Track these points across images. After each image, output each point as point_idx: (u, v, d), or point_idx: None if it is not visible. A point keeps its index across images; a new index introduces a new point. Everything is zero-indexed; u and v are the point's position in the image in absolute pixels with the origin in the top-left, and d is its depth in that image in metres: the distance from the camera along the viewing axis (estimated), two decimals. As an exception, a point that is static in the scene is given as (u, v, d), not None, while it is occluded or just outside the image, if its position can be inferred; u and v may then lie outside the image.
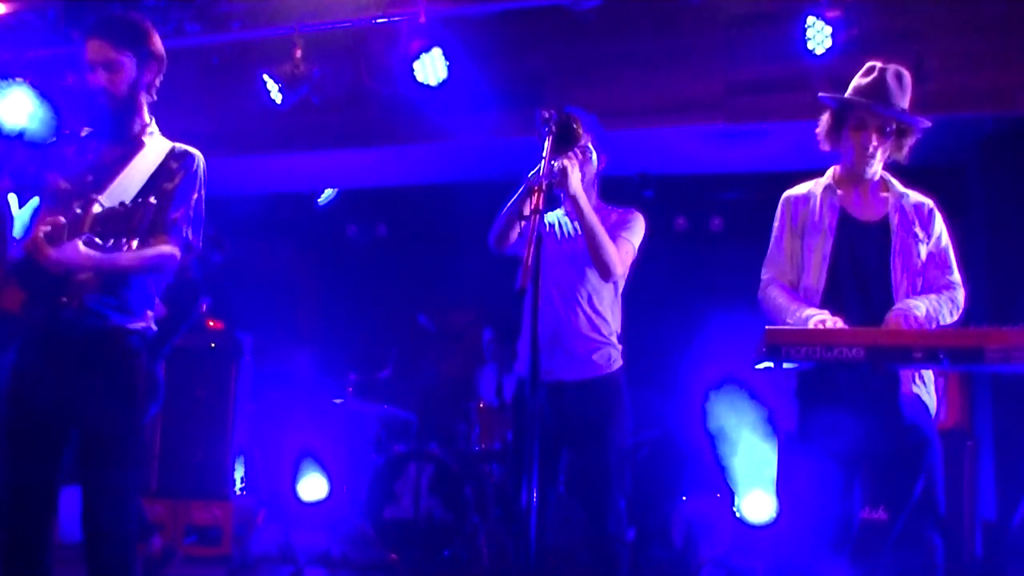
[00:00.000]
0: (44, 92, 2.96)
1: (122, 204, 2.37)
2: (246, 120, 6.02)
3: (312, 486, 6.20)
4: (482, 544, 5.36)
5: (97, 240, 2.37)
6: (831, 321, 2.74)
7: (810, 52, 4.80)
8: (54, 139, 2.89)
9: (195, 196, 2.80)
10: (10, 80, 5.42)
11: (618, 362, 3.33)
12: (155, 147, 2.79)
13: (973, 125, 5.15)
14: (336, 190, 7.56)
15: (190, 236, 2.77)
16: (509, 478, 5.21)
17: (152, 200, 2.36)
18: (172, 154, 2.81)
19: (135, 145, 2.78)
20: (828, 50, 4.76)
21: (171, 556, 4.69)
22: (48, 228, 2.46)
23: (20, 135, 2.92)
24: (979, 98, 4.85)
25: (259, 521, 5.82)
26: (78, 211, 2.41)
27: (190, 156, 2.83)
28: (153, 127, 2.86)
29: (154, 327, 2.82)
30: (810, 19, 4.76)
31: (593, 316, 3.29)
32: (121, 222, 2.34)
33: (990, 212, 5.41)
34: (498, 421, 5.62)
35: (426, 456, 5.61)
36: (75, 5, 5.25)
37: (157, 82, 2.85)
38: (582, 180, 3.24)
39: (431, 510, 5.51)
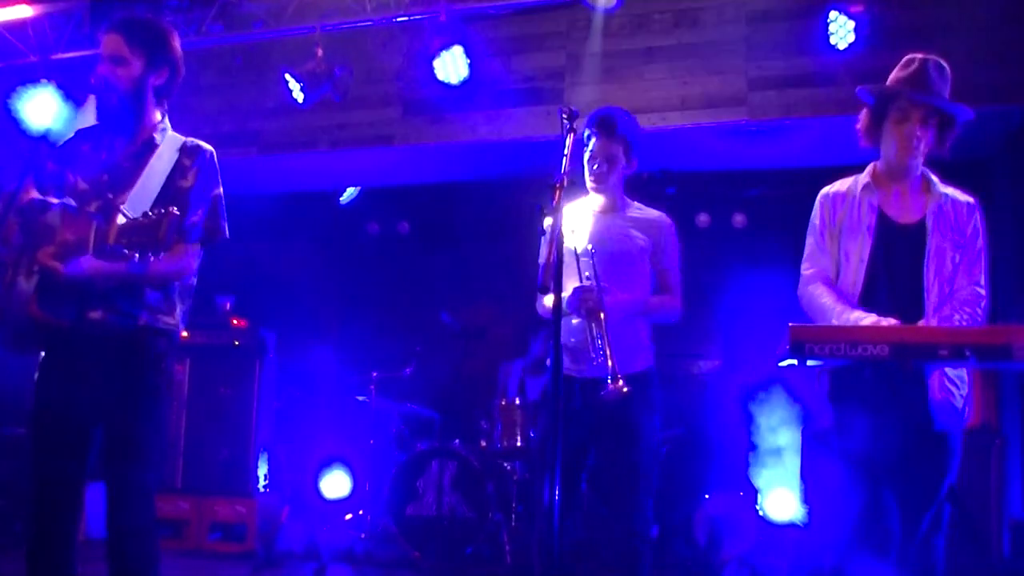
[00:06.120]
0: (70, 94, 2.97)
1: (146, 215, 2.38)
2: (268, 119, 6.06)
3: (335, 483, 6.22)
4: (504, 541, 5.36)
5: (124, 251, 2.39)
6: (885, 324, 2.66)
7: (833, 47, 4.76)
8: (71, 135, 2.91)
9: (214, 193, 2.81)
10: (37, 82, 5.49)
11: (649, 360, 3.33)
12: (168, 145, 2.80)
13: (1000, 118, 5.08)
14: (358, 188, 7.59)
15: (212, 234, 2.79)
16: (533, 474, 5.20)
17: (175, 210, 2.36)
18: (184, 150, 2.80)
19: (148, 145, 2.78)
20: (851, 45, 4.71)
21: None
22: (53, 248, 2.50)
23: (45, 137, 2.93)
24: (1006, 91, 4.80)
25: (283, 518, 5.84)
26: (102, 222, 2.43)
27: (202, 151, 2.83)
28: (165, 124, 2.86)
29: (182, 326, 2.83)
30: (832, 14, 4.72)
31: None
32: (146, 235, 2.35)
33: (1017, 206, 5.33)
34: (521, 418, 5.60)
35: (449, 453, 5.63)
36: (101, 7, 5.31)
37: (170, 87, 2.85)
38: (607, 183, 3.27)
39: (453, 507, 5.53)
